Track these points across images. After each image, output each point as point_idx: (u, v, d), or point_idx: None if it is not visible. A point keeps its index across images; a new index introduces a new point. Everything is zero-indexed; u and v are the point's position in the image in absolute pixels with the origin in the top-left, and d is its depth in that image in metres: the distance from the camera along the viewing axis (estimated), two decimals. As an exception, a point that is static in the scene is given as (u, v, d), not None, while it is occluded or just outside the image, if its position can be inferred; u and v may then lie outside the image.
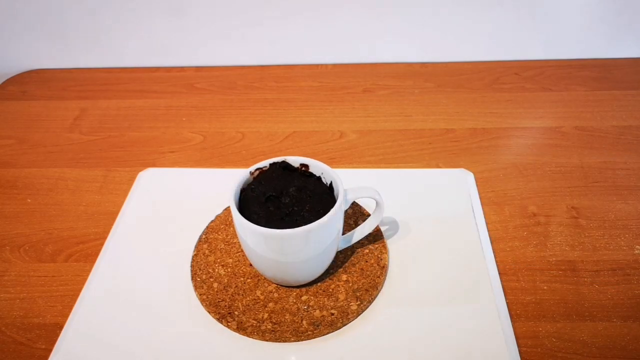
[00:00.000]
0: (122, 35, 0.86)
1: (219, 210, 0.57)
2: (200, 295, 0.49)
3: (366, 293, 0.48)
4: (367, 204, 0.57)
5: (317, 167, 0.49)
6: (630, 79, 0.81)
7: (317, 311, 0.47)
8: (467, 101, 0.77)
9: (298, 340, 0.45)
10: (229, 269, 0.51)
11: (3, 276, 0.53)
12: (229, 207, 0.49)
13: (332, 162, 0.66)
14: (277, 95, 0.81)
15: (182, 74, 0.87)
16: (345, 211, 0.53)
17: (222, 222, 0.56)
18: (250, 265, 0.51)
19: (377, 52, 0.87)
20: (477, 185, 0.61)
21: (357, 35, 0.85)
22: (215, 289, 0.49)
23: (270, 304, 0.48)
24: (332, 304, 0.47)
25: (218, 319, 0.47)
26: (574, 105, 0.76)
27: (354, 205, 0.57)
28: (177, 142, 0.72)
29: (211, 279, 0.50)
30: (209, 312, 0.47)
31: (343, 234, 0.49)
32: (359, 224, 0.51)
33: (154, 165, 0.67)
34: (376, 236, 0.53)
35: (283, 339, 0.45)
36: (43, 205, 0.62)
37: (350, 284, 0.49)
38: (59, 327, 0.47)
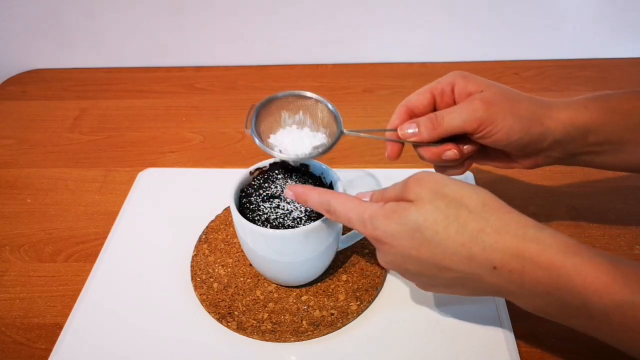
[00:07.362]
0: (122, 35, 0.86)
1: (219, 210, 0.57)
2: (200, 295, 0.48)
3: (366, 293, 0.48)
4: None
5: (317, 167, 0.49)
6: (630, 78, 0.81)
7: (317, 311, 0.47)
8: (467, 101, 0.77)
9: (298, 340, 0.45)
10: (229, 269, 0.51)
11: (3, 276, 0.53)
12: (229, 207, 0.49)
13: (332, 162, 0.66)
14: (277, 95, 0.81)
15: (182, 74, 0.87)
16: (345, 211, 0.53)
17: (222, 222, 0.56)
18: (250, 265, 0.51)
19: (377, 52, 0.87)
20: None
21: (357, 35, 0.85)
22: (215, 289, 0.49)
23: (270, 304, 0.48)
24: (332, 304, 0.47)
25: (218, 319, 0.47)
26: (574, 105, 0.76)
27: (354, 205, 0.57)
28: (177, 142, 0.72)
29: (211, 279, 0.50)
30: (209, 312, 0.47)
31: (343, 234, 0.49)
32: (359, 224, 0.51)
33: (154, 165, 0.67)
34: (376, 236, 0.53)
35: (283, 339, 0.45)
36: (43, 205, 0.62)
37: (350, 284, 0.49)
38: (59, 327, 0.47)
